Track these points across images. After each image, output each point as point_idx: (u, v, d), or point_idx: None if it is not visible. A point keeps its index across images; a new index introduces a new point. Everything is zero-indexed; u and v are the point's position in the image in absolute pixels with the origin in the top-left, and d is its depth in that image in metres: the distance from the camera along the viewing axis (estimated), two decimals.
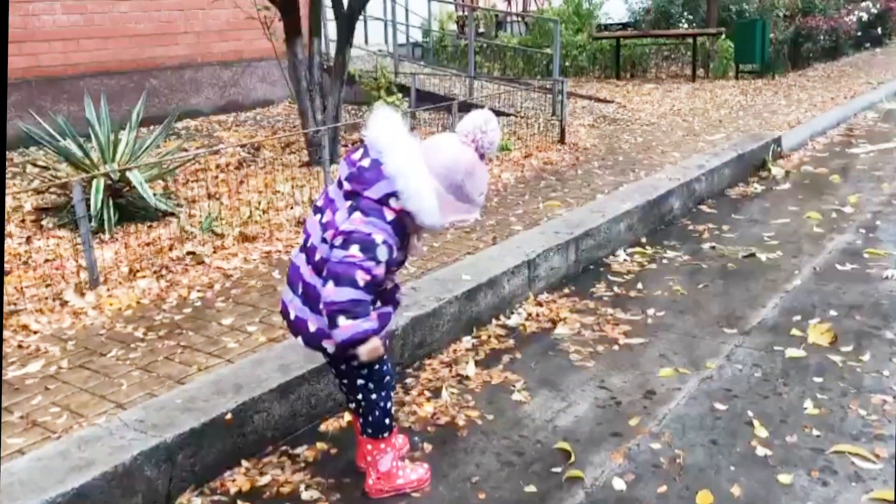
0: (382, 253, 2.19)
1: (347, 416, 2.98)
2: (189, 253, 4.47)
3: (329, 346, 2.33)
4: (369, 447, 2.52)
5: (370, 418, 2.48)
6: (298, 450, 2.80)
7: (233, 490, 2.58)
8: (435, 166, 2.23)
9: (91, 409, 2.73)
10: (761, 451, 2.72)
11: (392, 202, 2.22)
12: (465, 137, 2.28)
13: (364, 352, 2.25)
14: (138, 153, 5.45)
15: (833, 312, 3.87)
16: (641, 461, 2.69)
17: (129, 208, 5.13)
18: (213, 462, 2.61)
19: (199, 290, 3.91)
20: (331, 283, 2.18)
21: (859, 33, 16.11)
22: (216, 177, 6.31)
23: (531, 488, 2.56)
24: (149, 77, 9.19)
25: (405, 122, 2.30)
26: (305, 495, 2.56)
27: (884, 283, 4.23)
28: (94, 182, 4.87)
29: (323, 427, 2.95)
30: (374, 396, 2.46)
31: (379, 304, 2.36)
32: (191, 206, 5.33)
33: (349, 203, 2.25)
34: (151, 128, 6.92)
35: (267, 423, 2.77)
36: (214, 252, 4.49)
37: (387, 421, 2.50)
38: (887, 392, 3.08)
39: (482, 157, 2.31)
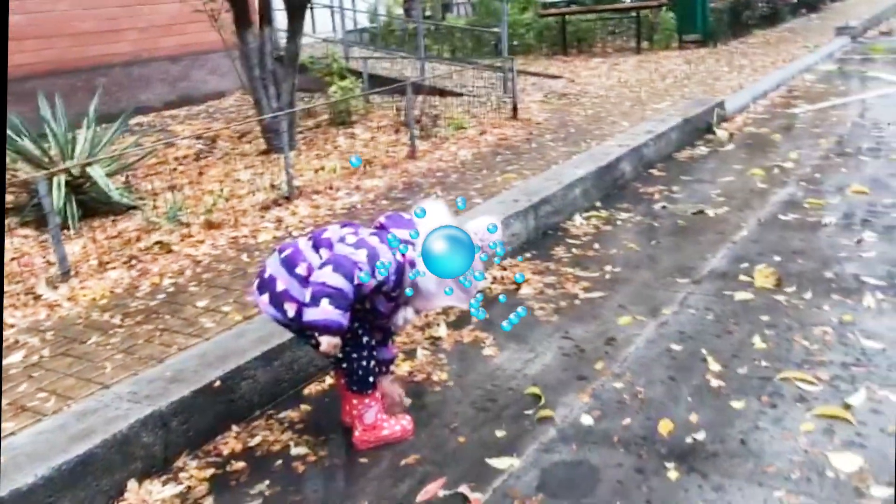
0: (381, 271, 2.41)
1: (329, 380, 3.12)
2: (157, 242, 4.54)
3: (290, 309, 2.47)
4: (354, 402, 2.66)
5: (354, 377, 2.63)
6: (284, 413, 2.94)
7: (225, 452, 2.71)
8: None
9: (77, 392, 2.82)
10: (715, 382, 2.93)
11: (409, 251, 2.48)
12: (475, 236, 2.53)
13: (325, 342, 2.42)
14: (96, 150, 5.48)
15: (777, 258, 4.12)
16: (606, 399, 2.89)
17: (91, 204, 5.17)
18: (206, 427, 2.74)
19: (170, 277, 4.00)
20: (329, 268, 2.38)
21: (795, 0, 16.58)
22: (174, 169, 6.36)
23: (507, 429, 2.74)
24: (97, 75, 9.11)
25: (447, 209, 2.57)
26: (295, 451, 2.70)
27: (822, 230, 4.49)
28: (56, 179, 4.90)
29: (306, 391, 3.09)
30: (354, 355, 2.60)
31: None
32: (153, 198, 5.37)
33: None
34: (104, 126, 6.91)
35: (253, 389, 2.90)
36: (182, 240, 4.56)
37: (370, 379, 2.64)
38: (827, 324, 3.33)
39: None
